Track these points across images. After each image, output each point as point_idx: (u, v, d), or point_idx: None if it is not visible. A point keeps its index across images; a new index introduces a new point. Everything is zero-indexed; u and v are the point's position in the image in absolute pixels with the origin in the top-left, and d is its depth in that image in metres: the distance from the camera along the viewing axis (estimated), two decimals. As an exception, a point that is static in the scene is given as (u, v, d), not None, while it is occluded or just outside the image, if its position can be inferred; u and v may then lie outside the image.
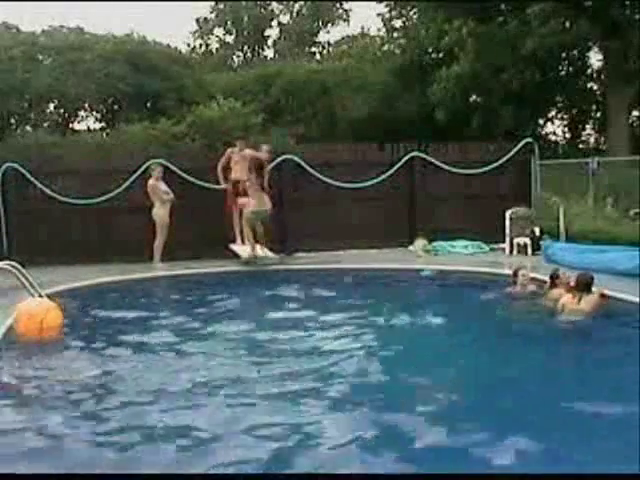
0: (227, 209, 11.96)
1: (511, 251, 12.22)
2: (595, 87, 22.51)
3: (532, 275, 8.48)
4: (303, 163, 12.98)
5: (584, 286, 7.12)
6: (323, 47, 34.30)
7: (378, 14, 25.44)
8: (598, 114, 22.93)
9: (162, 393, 4.94)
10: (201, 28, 33.57)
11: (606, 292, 7.28)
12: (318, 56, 32.86)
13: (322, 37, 34.51)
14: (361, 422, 4.31)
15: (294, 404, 4.65)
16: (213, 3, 32.98)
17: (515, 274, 8.30)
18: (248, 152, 11.88)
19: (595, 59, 20.94)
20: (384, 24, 25.51)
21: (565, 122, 24.26)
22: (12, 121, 22.57)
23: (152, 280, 10.47)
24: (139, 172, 12.30)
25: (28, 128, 22.32)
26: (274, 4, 33.89)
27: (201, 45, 33.72)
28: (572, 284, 7.33)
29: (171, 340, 6.58)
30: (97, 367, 5.68)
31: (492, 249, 12.61)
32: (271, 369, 5.49)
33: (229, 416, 4.45)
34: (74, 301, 8.34)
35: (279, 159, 12.88)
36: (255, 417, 4.43)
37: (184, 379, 5.25)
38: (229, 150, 12.00)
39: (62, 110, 23.95)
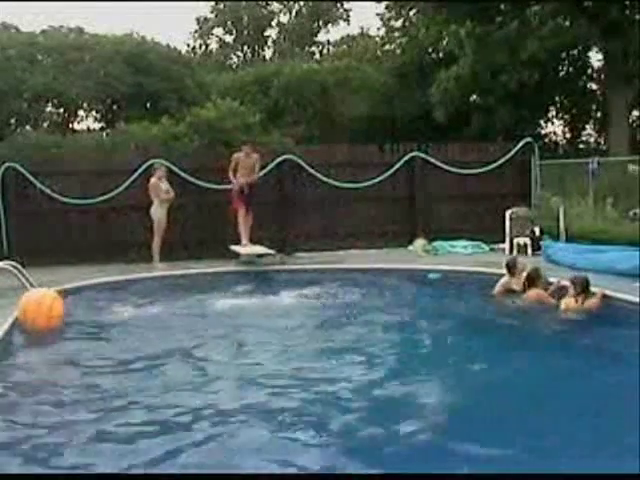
0: (233, 210, 11.89)
1: (511, 251, 12.20)
2: (595, 87, 22.52)
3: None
4: (303, 163, 12.98)
5: (583, 287, 7.15)
6: (323, 47, 34.32)
7: (377, 14, 25.47)
8: (598, 114, 22.94)
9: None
10: (201, 28, 33.58)
11: (607, 292, 7.33)
12: (318, 56, 32.87)
13: (322, 37, 34.57)
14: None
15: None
16: (213, 3, 33.00)
17: (512, 265, 8.13)
18: (255, 157, 11.86)
19: (595, 59, 20.97)
20: (383, 24, 25.52)
21: (565, 122, 24.27)
22: (12, 121, 22.54)
23: (152, 280, 10.45)
24: (139, 172, 12.31)
25: (28, 128, 22.29)
26: (274, 4, 33.90)
27: (201, 45, 33.74)
28: (570, 290, 7.29)
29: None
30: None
31: (492, 249, 12.60)
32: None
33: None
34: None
35: (279, 159, 12.89)
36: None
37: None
38: (235, 155, 11.85)
39: (62, 110, 23.96)
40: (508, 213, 12.46)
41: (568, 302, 7.18)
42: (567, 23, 17.33)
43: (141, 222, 11.94)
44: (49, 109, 23.61)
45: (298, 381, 5.24)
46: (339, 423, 4.34)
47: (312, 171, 12.99)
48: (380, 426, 4.26)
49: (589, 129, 24.51)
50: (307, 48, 33.52)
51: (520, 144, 13.73)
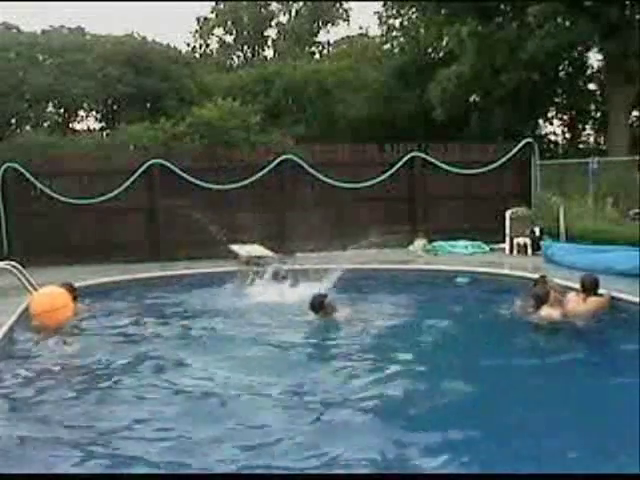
0: None
1: (511, 251, 12.22)
2: (595, 87, 22.48)
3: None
4: (303, 163, 12.98)
5: (591, 289, 7.09)
6: (323, 47, 34.29)
7: (375, 12, 25.34)
8: (598, 114, 22.92)
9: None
10: (201, 28, 33.55)
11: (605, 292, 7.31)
12: (318, 56, 32.84)
13: (322, 37, 34.53)
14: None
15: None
16: (213, 3, 33.01)
17: (544, 297, 6.98)
18: None
19: (595, 59, 20.94)
20: (379, 23, 25.43)
21: (565, 122, 24.24)
22: (12, 121, 22.52)
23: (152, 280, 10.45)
24: (139, 172, 12.32)
25: (28, 128, 22.28)
26: (274, 4, 33.86)
27: (201, 45, 33.72)
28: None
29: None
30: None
31: (492, 249, 12.60)
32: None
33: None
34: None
35: (279, 159, 12.89)
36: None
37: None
38: None
39: (62, 110, 23.94)
40: (508, 213, 12.47)
41: (574, 301, 7.08)
42: (567, 23, 17.28)
43: (141, 222, 11.97)
44: (50, 109, 23.59)
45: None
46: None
47: (312, 171, 12.99)
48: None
49: (589, 129, 24.48)
50: (307, 48, 33.48)
51: (520, 144, 13.73)
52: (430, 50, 22.85)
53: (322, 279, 8.24)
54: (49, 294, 7.40)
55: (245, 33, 33.51)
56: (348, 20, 33.69)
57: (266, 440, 4.15)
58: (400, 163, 13.39)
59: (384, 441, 4.14)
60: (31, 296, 7.50)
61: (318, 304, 7.06)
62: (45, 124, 23.06)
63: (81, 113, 24.72)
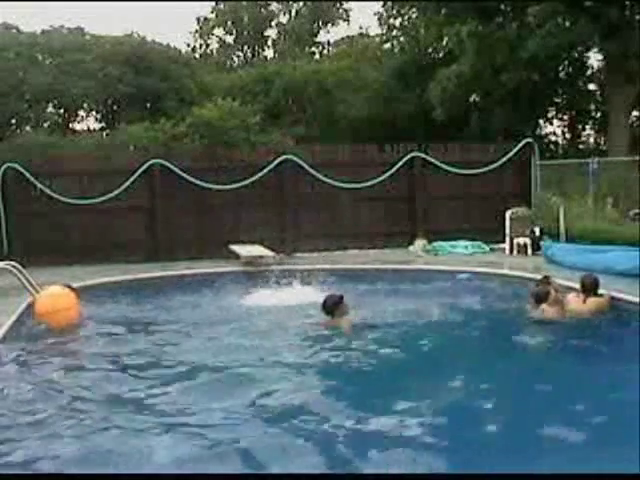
0: None
1: (511, 251, 12.21)
2: (595, 87, 22.50)
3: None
4: (303, 163, 12.98)
5: (591, 289, 7.08)
6: (323, 47, 34.29)
7: (375, 13, 25.34)
8: (598, 114, 22.93)
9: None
10: (201, 28, 33.56)
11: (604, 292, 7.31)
12: (318, 56, 32.84)
13: (322, 37, 34.54)
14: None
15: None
16: (213, 3, 33.03)
17: (543, 295, 6.96)
18: None
19: (595, 59, 20.94)
20: (380, 23, 25.43)
21: (565, 122, 24.24)
22: (12, 121, 22.53)
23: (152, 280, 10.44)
24: (139, 172, 12.32)
25: (28, 128, 22.29)
26: (274, 4, 33.87)
27: (201, 45, 33.73)
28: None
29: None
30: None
31: (492, 249, 12.60)
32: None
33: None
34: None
35: (279, 159, 12.89)
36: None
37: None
38: None
39: (62, 110, 23.95)
40: (508, 213, 12.46)
41: (574, 301, 7.10)
42: (567, 23, 17.29)
43: (141, 222, 11.96)
44: (49, 109, 23.60)
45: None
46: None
47: (312, 171, 12.99)
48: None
49: (589, 129, 24.48)
50: (307, 48, 33.47)
51: (520, 144, 13.73)
52: (430, 50, 22.85)
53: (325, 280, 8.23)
54: (54, 295, 7.36)
55: (245, 33, 33.52)
56: (348, 20, 33.71)
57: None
58: (400, 163, 13.39)
59: (387, 438, 4.15)
60: (35, 297, 7.45)
61: (332, 305, 6.78)
62: (45, 124, 23.07)
63: (81, 113, 24.74)
